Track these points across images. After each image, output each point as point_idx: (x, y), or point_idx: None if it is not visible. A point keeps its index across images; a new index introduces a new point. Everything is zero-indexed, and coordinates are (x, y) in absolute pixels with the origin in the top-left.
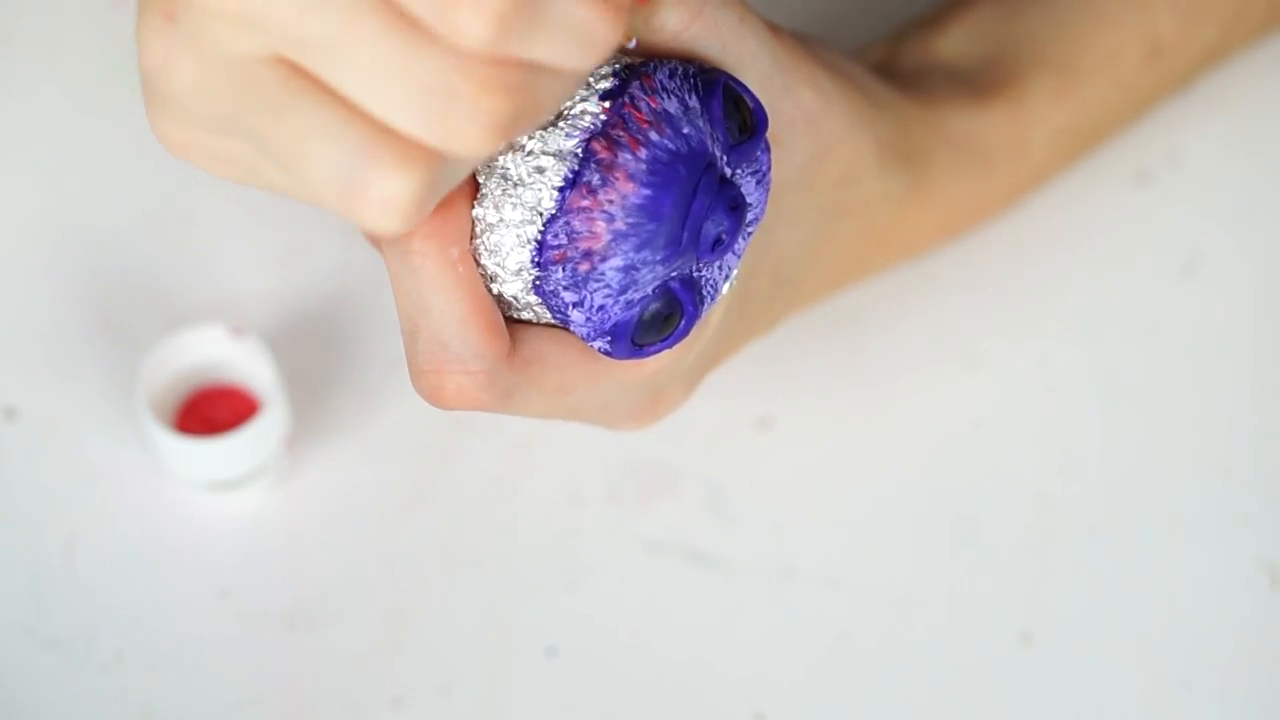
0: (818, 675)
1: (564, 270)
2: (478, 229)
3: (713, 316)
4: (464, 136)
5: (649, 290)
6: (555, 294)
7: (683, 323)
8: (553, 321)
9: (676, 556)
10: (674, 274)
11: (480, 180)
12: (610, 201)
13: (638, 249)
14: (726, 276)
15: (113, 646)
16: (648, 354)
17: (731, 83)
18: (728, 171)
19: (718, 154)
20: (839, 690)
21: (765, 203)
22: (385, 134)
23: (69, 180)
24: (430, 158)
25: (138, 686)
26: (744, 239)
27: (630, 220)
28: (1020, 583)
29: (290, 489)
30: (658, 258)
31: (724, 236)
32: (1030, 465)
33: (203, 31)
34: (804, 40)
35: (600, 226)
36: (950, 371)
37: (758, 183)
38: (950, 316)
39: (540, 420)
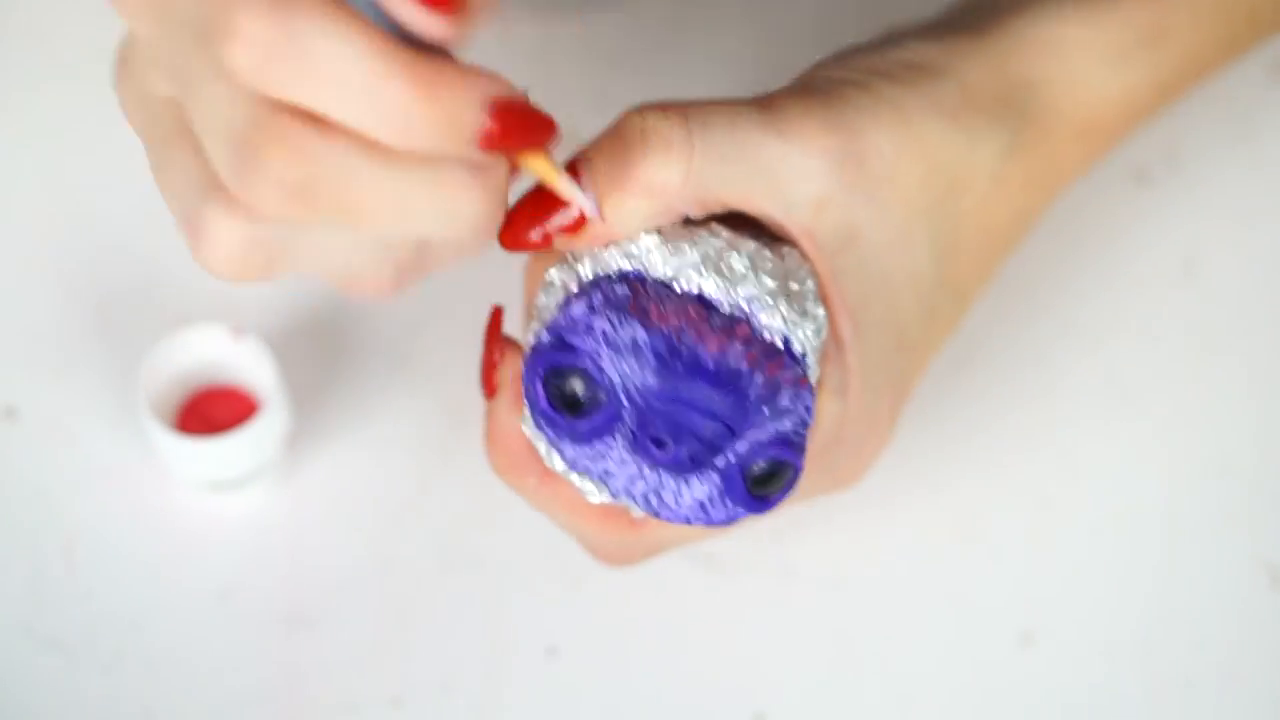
0: (818, 675)
1: (634, 303)
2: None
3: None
4: (258, 194)
5: (607, 372)
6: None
7: (592, 419)
8: None
9: (676, 556)
10: (626, 405)
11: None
12: (690, 325)
13: (660, 355)
14: (609, 479)
15: (113, 646)
16: (543, 413)
17: (792, 470)
18: (720, 459)
19: (743, 440)
20: (839, 690)
21: (678, 519)
22: (218, 180)
23: (69, 180)
24: (246, 211)
25: (137, 686)
26: (644, 500)
27: (685, 344)
28: (1020, 583)
29: (290, 489)
30: (654, 384)
31: (668, 447)
32: (1030, 465)
33: (137, 71)
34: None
35: (676, 321)
36: (949, 371)
37: (702, 504)
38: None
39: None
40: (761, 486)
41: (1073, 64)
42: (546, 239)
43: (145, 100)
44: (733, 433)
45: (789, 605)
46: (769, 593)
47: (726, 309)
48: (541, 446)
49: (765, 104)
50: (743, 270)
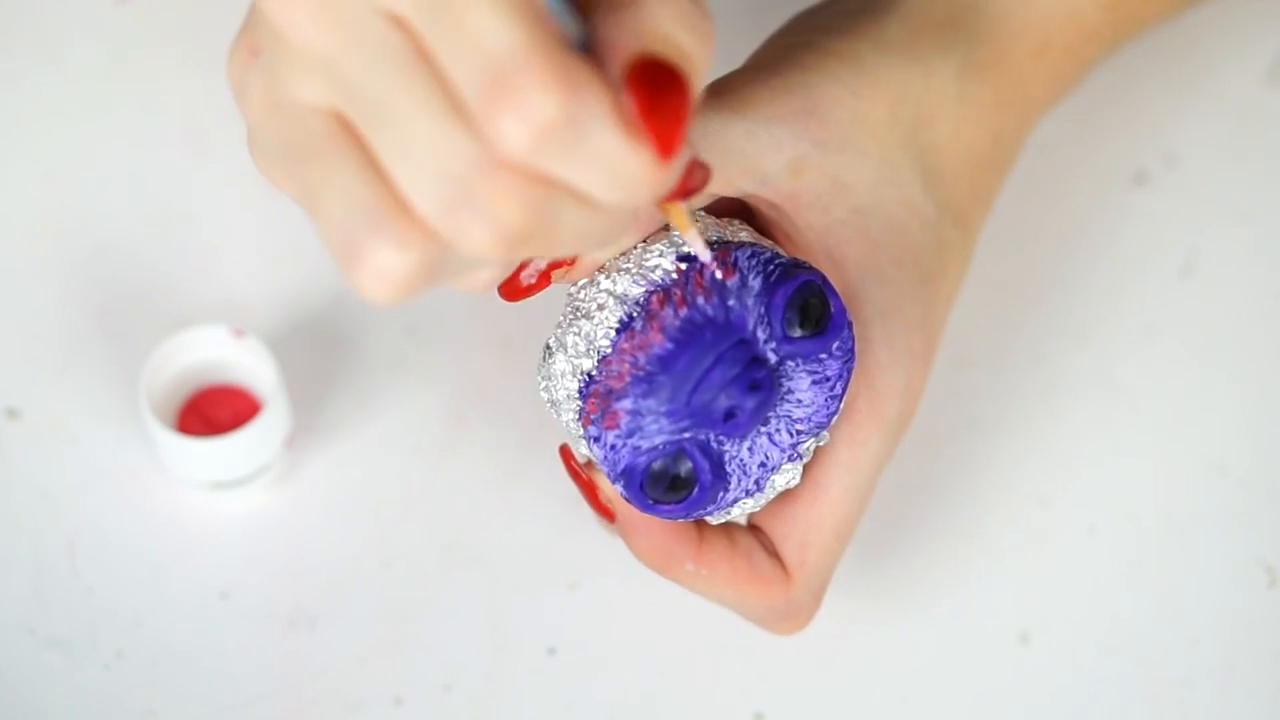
0: (818, 675)
1: (594, 404)
2: (548, 352)
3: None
4: (469, 234)
5: (657, 443)
6: (586, 430)
7: (696, 491)
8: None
9: None
10: (688, 435)
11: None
12: (639, 348)
13: (644, 395)
14: (770, 467)
15: (114, 645)
16: (663, 512)
17: (815, 284)
18: (771, 357)
19: (759, 336)
20: (839, 690)
21: (830, 411)
22: (397, 207)
23: (70, 181)
24: (431, 243)
25: (139, 685)
26: (791, 434)
27: (647, 368)
28: (1018, 582)
29: (290, 489)
30: (662, 409)
31: (737, 412)
32: (1030, 465)
33: (275, 72)
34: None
35: (625, 368)
36: (950, 371)
37: (814, 383)
38: (950, 317)
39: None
40: (815, 322)
41: None
42: (544, 280)
43: (285, 104)
44: (744, 342)
45: None
46: None
47: (635, 310)
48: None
49: (718, 89)
50: (610, 278)
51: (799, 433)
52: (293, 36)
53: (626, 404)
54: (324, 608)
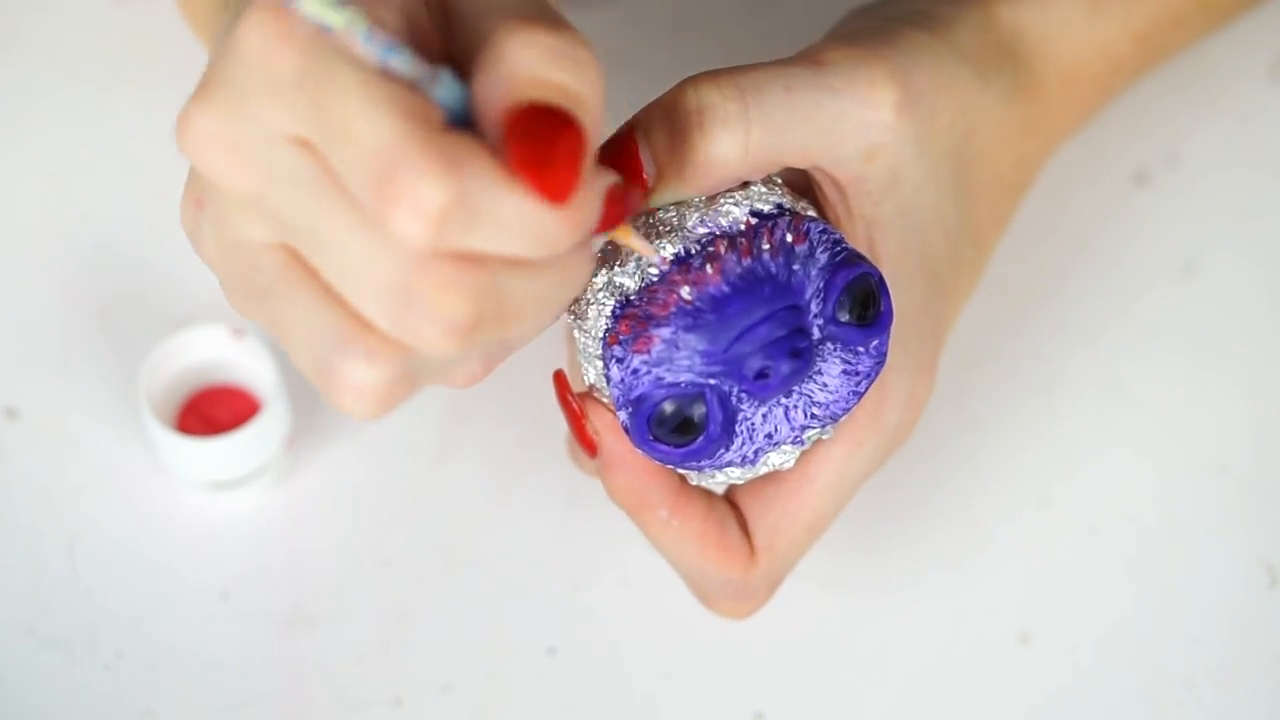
0: (818, 675)
1: (628, 326)
2: (593, 286)
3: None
4: (423, 336)
5: (682, 380)
6: (610, 349)
7: (701, 440)
8: (608, 399)
9: None
10: (712, 382)
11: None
12: (693, 283)
13: (686, 329)
14: (774, 441)
15: (114, 646)
16: (657, 452)
17: (872, 280)
18: (816, 332)
19: (812, 308)
20: (839, 690)
21: (847, 406)
22: (358, 326)
23: (70, 181)
24: (398, 353)
25: (139, 685)
26: (806, 415)
27: (697, 303)
28: (1019, 582)
29: (290, 489)
30: (700, 347)
31: (770, 373)
32: (1029, 465)
33: (221, 219)
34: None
35: (673, 298)
36: (950, 371)
37: (845, 373)
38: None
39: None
40: (865, 311)
41: (1051, 13)
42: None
43: (236, 247)
44: (795, 309)
45: (789, 605)
46: None
47: (696, 248)
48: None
49: (815, 60)
50: (673, 215)
51: (813, 417)
52: (218, 182)
53: (665, 332)
54: (324, 608)
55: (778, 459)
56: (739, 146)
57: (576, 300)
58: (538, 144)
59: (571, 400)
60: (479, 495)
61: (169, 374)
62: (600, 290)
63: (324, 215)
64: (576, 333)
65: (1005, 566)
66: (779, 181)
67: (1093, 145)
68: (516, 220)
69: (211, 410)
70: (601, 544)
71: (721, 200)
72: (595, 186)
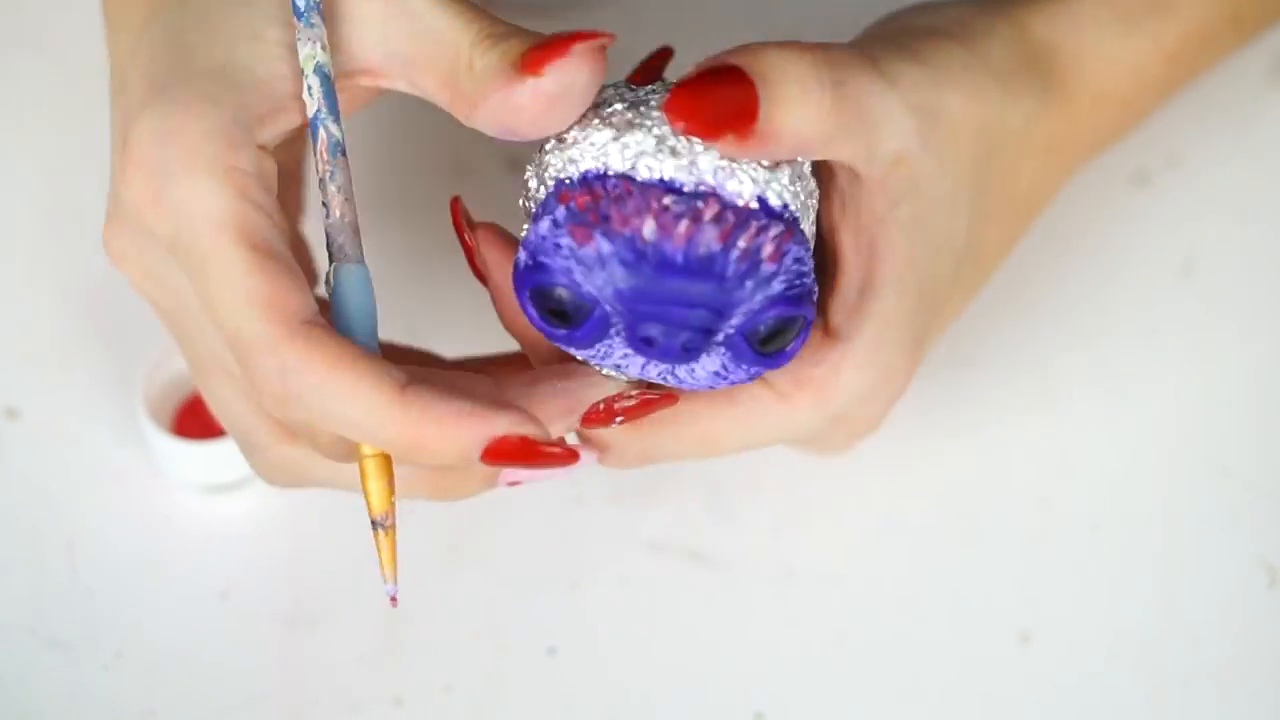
0: (818, 675)
1: (584, 203)
2: (594, 110)
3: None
4: (263, 473)
5: (584, 289)
6: (555, 203)
7: (563, 331)
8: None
9: (676, 556)
10: (608, 307)
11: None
12: (661, 228)
13: (623, 263)
14: (613, 373)
15: (114, 646)
16: (527, 312)
17: (802, 322)
18: (719, 334)
19: (733, 319)
20: (839, 690)
21: (696, 386)
22: (266, 419)
23: (71, 181)
24: (300, 446)
25: (139, 686)
26: (660, 378)
27: (649, 250)
28: (1019, 582)
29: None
30: (619, 284)
31: (654, 344)
32: (1029, 465)
33: (139, 245)
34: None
35: (636, 225)
36: (949, 371)
37: (715, 374)
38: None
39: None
40: (771, 344)
41: (1084, 30)
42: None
43: (155, 277)
44: (720, 314)
45: (789, 605)
46: (769, 593)
47: (691, 187)
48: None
49: (867, 55)
50: (700, 144)
51: (664, 381)
52: (140, 294)
53: (605, 247)
54: (324, 608)
55: (611, 373)
56: (816, 121)
57: (572, 126)
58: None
59: (465, 232)
60: (479, 495)
61: (167, 376)
62: (595, 141)
63: (210, 350)
64: (550, 144)
65: (1005, 566)
66: (808, 171)
67: None
68: (354, 421)
69: (209, 412)
70: (601, 544)
71: (745, 163)
72: (469, 430)
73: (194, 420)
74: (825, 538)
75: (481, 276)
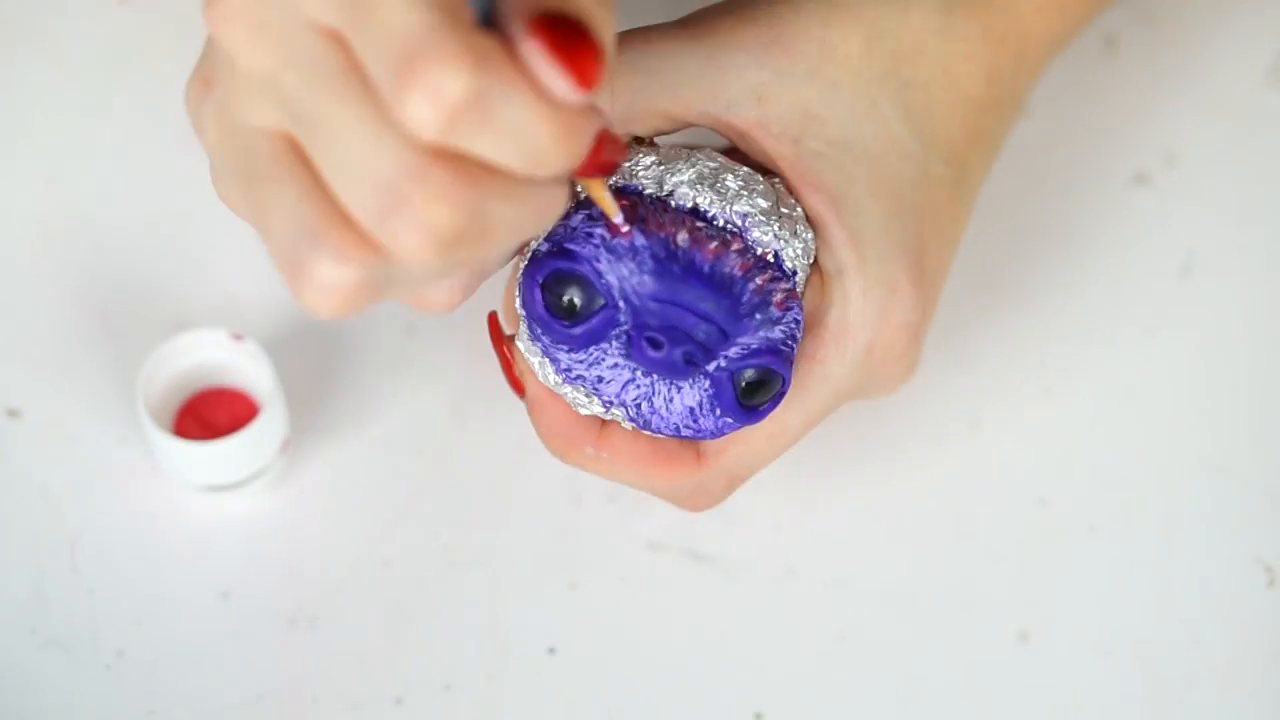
0: (817, 675)
1: (623, 206)
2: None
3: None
4: (404, 241)
5: (606, 279)
6: (592, 209)
7: (563, 325)
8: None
9: (676, 556)
10: (621, 305)
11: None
12: (693, 241)
13: (653, 257)
14: (596, 388)
15: (115, 645)
16: (530, 299)
17: (779, 383)
18: (712, 364)
19: (731, 351)
20: (839, 690)
21: (664, 427)
22: (338, 221)
23: (71, 181)
24: (371, 255)
25: (140, 685)
26: (634, 403)
27: (679, 255)
28: (1018, 582)
29: (290, 489)
30: (642, 279)
31: (659, 347)
32: (1029, 465)
33: (227, 100)
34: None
35: (671, 231)
36: (949, 371)
37: (689, 410)
38: (949, 316)
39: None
40: (750, 396)
41: None
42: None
43: (236, 130)
44: (725, 335)
45: (789, 605)
46: (769, 593)
47: (721, 223)
48: (535, 361)
49: (684, 20)
50: (736, 189)
51: (636, 409)
52: (236, 58)
53: (640, 242)
54: (324, 608)
55: (581, 398)
56: (602, 94)
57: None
58: (566, 38)
59: (503, 342)
60: (479, 495)
61: (168, 376)
62: (638, 164)
63: (335, 106)
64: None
65: (1004, 565)
66: (811, 262)
67: (1092, 145)
68: (522, 128)
69: (210, 413)
70: (601, 544)
71: (771, 221)
72: (592, 122)
73: (195, 420)
74: (825, 538)
75: (518, 386)
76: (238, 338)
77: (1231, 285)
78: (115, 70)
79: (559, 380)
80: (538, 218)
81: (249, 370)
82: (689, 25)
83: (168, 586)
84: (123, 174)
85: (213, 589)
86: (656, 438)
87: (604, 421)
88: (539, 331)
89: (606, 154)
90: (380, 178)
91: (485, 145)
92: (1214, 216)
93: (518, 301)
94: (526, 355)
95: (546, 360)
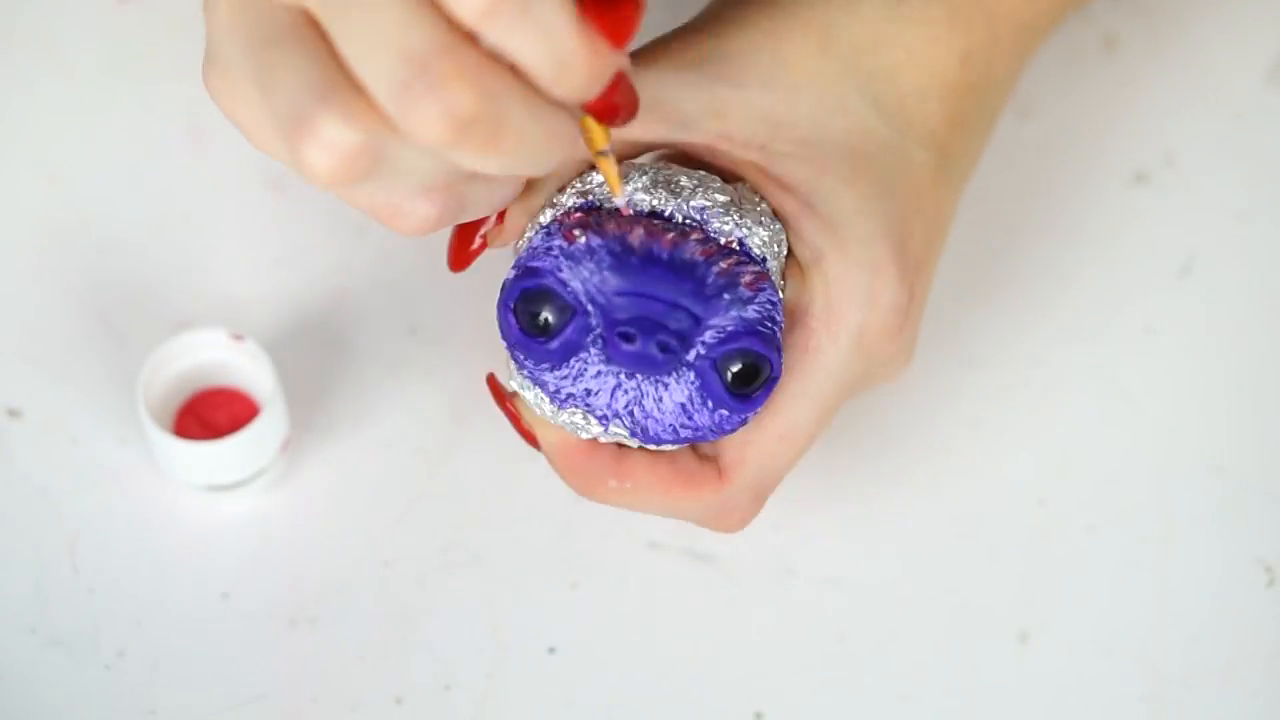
0: (817, 675)
1: (578, 219)
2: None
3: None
4: (421, 112)
5: (569, 285)
6: (548, 225)
7: (538, 341)
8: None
9: (676, 556)
10: (590, 308)
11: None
12: (649, 234)
13: (610, 252)
14: (586, 401)
15: (115, 645)
16: (505, 324)
17: (768, 371)
18: (692, 354)
19: (706, 335)
20: (839, 690)
21: (661, 433)
22: (348, 84)
23: (71, 181)
24: (379, 123)
25: (140, 684)
26: (626, 410)
27: (635, 250)
28: (1018, 582)
29: (290, 489)
30: (603, 276)
31: (633, 340)
32: (1029, 465)
33: None
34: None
35: (624, 230)
36: (950, 371)
37: (681, 407)
38: (949, 317)
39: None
40: (740, 384)
41: None
42: (482, 243)
43: (254, 2)
44: (696, 320)
45: (789, 605)
46: (769, 593)
47: (679, 219)
48: (529, 395)
49: (639, 49)
50: (691, 186)
51: (630, 417)
52: None
53: (594, 241)
54: (324, 608)
55: (579, 421)
56: None
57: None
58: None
59: (506, 401)
60: (479, 495)
61: (168, 376)
62: (593, 180)
63: None
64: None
65: (1004, 565)
66: (785, 245)
67: (1091, 145)
68: (555, 34)
69: (210, 413)
70: (601, 544)
71: (731, 212)
72: (616, 57)
73: (195, 420)
74: (825, 538)
75: (531, 439)
76: (238, 338)
77: (1231, 285)
78: (115, 70)
79: (555, 410)
80: (547, 141)
81: (249, 370)
82: (642, 53)
83: (168, 586)
84: (123, 174)
85: (213, 589)
86: (675, 459)
87: (621, 452)
88: (522, 359)
89: (621, 95)
90: (409, 49)
91: (518, 41)
92: (1213, 216)
93: (504, 345)
94: (521, 392)
95: (538, 389)
